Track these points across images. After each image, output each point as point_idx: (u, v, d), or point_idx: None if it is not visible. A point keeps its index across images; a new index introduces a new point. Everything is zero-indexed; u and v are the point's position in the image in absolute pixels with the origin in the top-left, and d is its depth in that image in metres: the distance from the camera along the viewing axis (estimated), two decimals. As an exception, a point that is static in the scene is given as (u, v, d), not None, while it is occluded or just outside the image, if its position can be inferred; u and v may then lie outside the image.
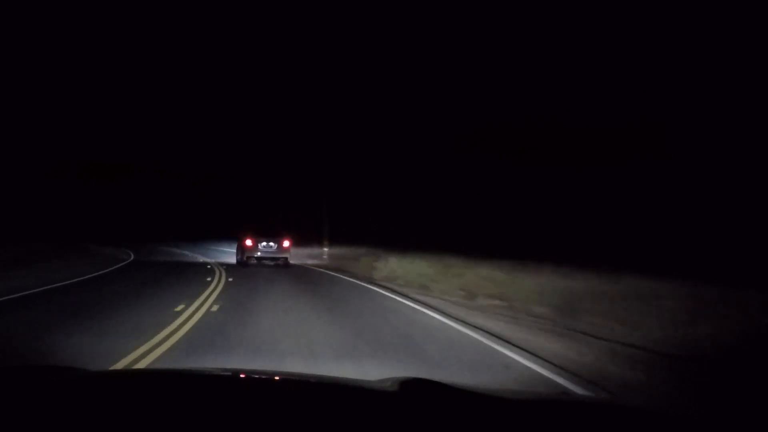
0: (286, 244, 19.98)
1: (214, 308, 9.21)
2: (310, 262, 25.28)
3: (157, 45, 54.31)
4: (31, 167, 31.78)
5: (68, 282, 13.41)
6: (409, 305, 10.67)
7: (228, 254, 28.18)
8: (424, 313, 9.64)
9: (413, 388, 1.71)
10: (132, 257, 26.63)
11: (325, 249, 28.53)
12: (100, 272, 16.95)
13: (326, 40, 49.10)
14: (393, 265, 17.54)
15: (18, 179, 29.06)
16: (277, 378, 2.20)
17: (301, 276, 17.41)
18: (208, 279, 14.72)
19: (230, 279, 14.92)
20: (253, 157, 56.00)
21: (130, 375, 2.83)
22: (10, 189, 27.30)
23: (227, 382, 1.96)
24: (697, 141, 15.83)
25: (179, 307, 9.09)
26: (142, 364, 5.37)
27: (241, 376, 2.25)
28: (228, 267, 20.09)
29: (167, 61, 56.19)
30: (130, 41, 51.08)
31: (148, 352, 5.88)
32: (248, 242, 19.73)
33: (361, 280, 16.36)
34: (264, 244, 19.66)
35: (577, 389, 4.79)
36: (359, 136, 38.76)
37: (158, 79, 54.71)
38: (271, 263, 20.00)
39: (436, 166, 29.72)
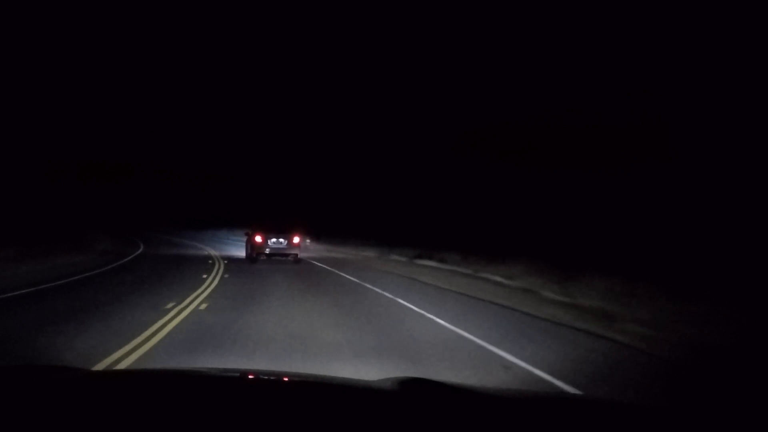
0: (296, 240, 19.99)
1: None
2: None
3: (157, 45, 54.39)
4: (31, 167, 31.83)
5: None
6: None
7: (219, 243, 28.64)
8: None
9: (413, 387, 1.71)
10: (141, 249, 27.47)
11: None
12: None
13: (326, 41, 49.19)
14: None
15: (18, 179, 29.09)
16: (277, 378, 2.20)
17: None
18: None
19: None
20: (253, 157, 56.17)
21: (129, 375, 2.83)
22: (10, 189, 27.33)
23: (227, 382, 1.96)
24: (697, 141, 15.84)
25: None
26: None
27: (241, 376, 2.25)
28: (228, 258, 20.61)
29: (167, 62, 56.33)
30: (131, 41, 51.17)
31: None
32: (258, 238, 19.71)
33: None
34: (274, 240, 19.65)
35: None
36: (359, 136, 38.84)
37: (158, 79, 54.77)
38: (281, 259, 20.04)
39: (436, 166, 29.78)
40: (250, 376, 2.21)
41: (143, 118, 57.23)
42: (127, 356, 5.47)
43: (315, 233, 30.80)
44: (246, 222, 22.26)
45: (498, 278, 14.06)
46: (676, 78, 17.34)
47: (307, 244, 29.93)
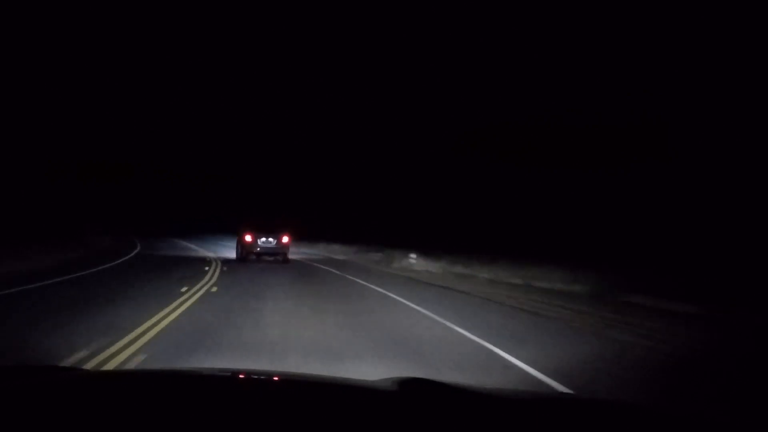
0: (285, 239, 20.13)
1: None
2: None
3: (158, 45, 54.45)
4: (31, 167, 31.83)
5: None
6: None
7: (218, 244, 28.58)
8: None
9: (413, 387, 1.70)
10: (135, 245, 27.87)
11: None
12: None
13: (326, 41, 49.23)
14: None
15: (18, 179, 29.10)
16: (276, 378, 2.20)
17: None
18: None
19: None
20: (253, 156, 56.23)
21: (127, 375, 2.82)
22: (10, 189, 27.33)
23: (226, 382, 1.95)
24: (698, 141, 15.84)
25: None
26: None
27: (240, 376, 2.24)
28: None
29: (167, 62, 56.39)
30: (131, 41, 51.22)
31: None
32: (248, 238, 19.85)
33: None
34: (263, 239, 19.78)
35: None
36: (359, 136, 38.86)
37: (158, 79, 54.82)
38: (270, 258, 20.13)
39: (436, 166, 29.76)
40: (250, 377, 2.20)
41: (143, 118, 57.27)
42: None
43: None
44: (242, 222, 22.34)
45: None
46: (676, 78, 17.34)
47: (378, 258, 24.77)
